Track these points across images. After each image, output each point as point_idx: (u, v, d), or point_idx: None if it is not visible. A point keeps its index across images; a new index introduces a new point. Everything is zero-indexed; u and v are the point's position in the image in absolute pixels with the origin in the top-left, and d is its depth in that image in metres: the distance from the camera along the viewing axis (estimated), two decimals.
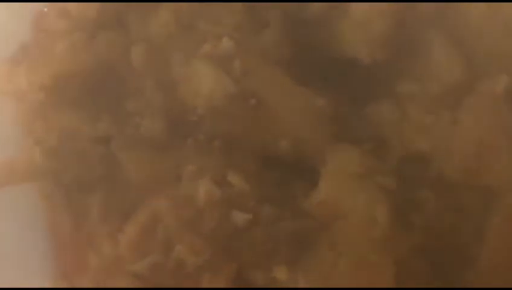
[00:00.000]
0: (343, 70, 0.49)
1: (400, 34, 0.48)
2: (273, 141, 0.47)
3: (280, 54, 0.49)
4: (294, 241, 0.45)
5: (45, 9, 0.54)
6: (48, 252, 0.49)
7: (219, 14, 0.49)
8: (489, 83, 0.46)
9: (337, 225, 0.45)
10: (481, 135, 0.46)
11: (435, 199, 0.46)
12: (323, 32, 0.49)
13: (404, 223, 0.45)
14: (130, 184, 0.47)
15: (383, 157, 0.47)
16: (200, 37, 0.48)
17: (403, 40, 0.49)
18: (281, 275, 0.44)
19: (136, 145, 0.48)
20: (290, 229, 0.45)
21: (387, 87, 0.49)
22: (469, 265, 0.46)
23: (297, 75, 0.48)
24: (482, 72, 0.47)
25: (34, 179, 0.49)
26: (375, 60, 0.48)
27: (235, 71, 0.47)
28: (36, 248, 0.49)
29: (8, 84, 0.50)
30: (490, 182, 0.46)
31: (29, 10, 0.54)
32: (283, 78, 0.48)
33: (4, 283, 0.47)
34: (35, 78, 0.49)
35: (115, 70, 0.50)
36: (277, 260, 0.44)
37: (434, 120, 0.47)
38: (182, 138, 0.48)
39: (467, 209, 0.46)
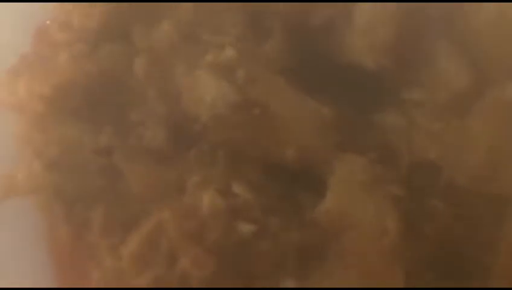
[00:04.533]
0: (348, 78, 0.48)
1: (406, 40, 0.48)
2: (278, 151, 0.46)
3: (284, 62, 0.48)
4: (302, 253, 0.43)
5: (47, 22, 0.54)
6: (47, 266, 0.48)
7: (221, 24, 0.49)
8: (498, 89, 0.46)
9: (346, 236, 0.43)
10: (492, 141, 0.45)
11: (446, 208, 0.45)
12: (328, 39, 0.48)
13: (414, 233, 0.44)
14: (132, 196, 0.46)
15: (391, 166, 0.46)
16: (202, 47, 0.48)
17: (409, 46, 0.48)
18: (289, 287, 0.42)
19: (138, 156, 0.47)
20: (298, 241, 0.44)
21: (394, 94, 0.48)
22: (482, 276, 0.44)
23: (302, 83, 0.47)
24: (490, 79, 0.47)
25: (34, 192, 0.48)
26: (381, 67, 0.47)
27: (238, 80, 0.46)
28: (36, 262, 0.48)
29: (8, 96, 0.49)
30: (502, 189, 0.44)
31: (31, 22, 0.54)
32: (287, 86, 0.47)
33: None
34: (35, 88, 0.48)
35: (117, 81, 0.49)
36: (285, 272, 0.43)
37: (443, 127, 0.46)
38: (185, 148, 0.47)
39: (479, 218, 0.45)
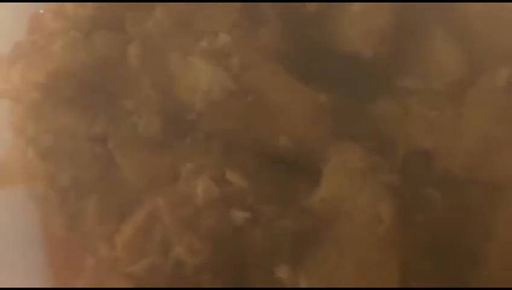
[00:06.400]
0: (344, 65, 0.48)
1: (401, 28, 0.47)
2: (272, 138, 0.46)
3: (279, 49, 0.48)
4: (296, 241, 0.43)
5: (41, 11, 0.54)
6: (42, 255, 0.48)
7: (215, 12, 0.49)
8: (490, 75, 0.45)
9: (340, 224, 0.43)
10: (486, 129, 0.45)
11: (440, 196, 0.45)
12: (323, 27, 0.48)
13: (408, 221, 0.44)
14: (126, 184, 0.46)
15: (386, 155, 0.46)
16: (196, 34, 0.48)
17: (404, 34, 0.48)
18: (283, 275, 0.42)
19: (133, 144, 0.47)
20: (291, 228, 0.44)
21: (389, 82, 0.48)
22: (476, 264, 0.44)
23: (297, 71, 0.47)
24: (483, 66, 0.47)
25: (27, 181, 0.48)
26: (376, 54, 0.47)
27: (233, 67, 0.46)
28: (29, 251, 0.48)
29: (2, 84, 0.49)
30: (497, 177, 0.44)
31: (25, 11, 0.54)
32: (282, 74, 0.47)
33: None
34: (30, 76, 0.48)
35: (111, 69, 0.49)
36: (278, 260, 0.43)
37: (437, 116, 0.46)
38: (179, 137, 0.47)
39: (474, 206, 0.45)
